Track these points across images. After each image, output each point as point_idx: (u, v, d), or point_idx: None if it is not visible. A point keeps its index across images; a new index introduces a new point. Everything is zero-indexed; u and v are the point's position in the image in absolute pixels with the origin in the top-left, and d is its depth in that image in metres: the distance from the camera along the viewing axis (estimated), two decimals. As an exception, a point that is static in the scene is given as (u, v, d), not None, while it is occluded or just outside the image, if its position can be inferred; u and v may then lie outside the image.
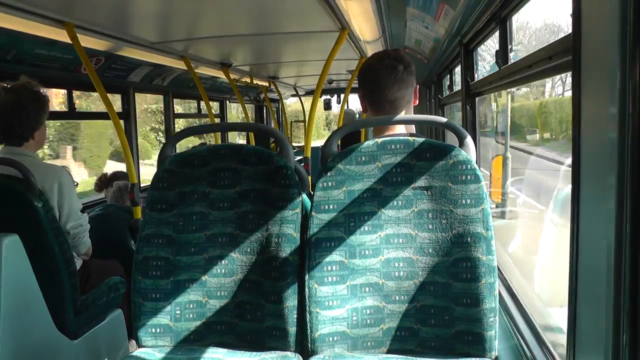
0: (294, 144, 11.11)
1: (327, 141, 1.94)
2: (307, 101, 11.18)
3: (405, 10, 4.02)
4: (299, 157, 5.61)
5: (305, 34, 4.11)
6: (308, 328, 1.83)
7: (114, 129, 3.73)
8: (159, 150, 2.13)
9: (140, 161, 5.43)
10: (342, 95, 8.19)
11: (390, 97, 2.08)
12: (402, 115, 2.08)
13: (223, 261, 1.96)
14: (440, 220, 1.81)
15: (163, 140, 16.32)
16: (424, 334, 1.82)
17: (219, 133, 6.54)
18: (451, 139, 2.05)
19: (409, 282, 1.82)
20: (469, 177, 1.78)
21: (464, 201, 1.78)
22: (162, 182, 1.99)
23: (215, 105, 7.98)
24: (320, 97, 9.29)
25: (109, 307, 3.02)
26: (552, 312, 2.97)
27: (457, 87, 4.72)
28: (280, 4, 3.20)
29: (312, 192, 1.90)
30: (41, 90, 2.85)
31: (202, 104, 6.97)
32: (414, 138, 1.85)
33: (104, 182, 4.46)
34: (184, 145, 12.30)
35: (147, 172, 9.27)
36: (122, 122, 4.29)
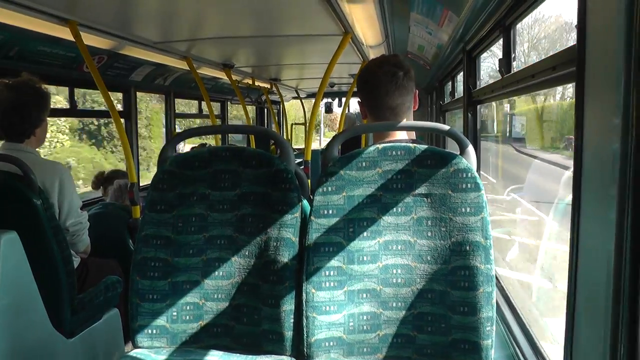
0: (294, 147, 11.11)
1: (328, 146, 1.93)
2: (308, 104, 11.19)
3: (409, 15, 4.02)
4: (298, 160, 5.61)
5: (308, 37, 4.12)
6: (304, 332, 1.83)
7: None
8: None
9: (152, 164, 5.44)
10: (344, 99, 8.19)
11: (391, 103, 2.07)
12: (405, 122, 2.08)
13: (221, 264, 1.96)
14: (440, 228, 1.80)
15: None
16: (421, 342, 1.82)
17: (220, 135, 6.54)
18: (452, 145, 2.05)
19: (406, 289, 1.82)
20: (469, 185, 1.78)
21: (463, 209, 1.78)
22: (162, 183, 1.99)
23: (216, 106, 7.98)
24: (322, 100, 9.30)
25: (106, 307, 3.01)
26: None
27: (459, 94, 4.72)
28: (284, 7, 3.20)
29: (311, 196, 1.90)
30: (43, 87, 2.85)
31: (204, 104, 6.97)
32: (415, 145, 1.85)
33: (100, 180, 4.46)
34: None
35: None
36: (123, 121, 4.28)
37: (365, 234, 1.83)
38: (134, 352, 1.92)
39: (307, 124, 5.76)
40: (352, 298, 1.83)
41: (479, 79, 3.68)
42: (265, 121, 10.56)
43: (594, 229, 1.16)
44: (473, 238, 1.76)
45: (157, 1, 3.00)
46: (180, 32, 3.91)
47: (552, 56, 1.80)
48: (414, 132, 2.23)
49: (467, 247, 1.76)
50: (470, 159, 1.82)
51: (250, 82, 7.41)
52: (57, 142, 17.66)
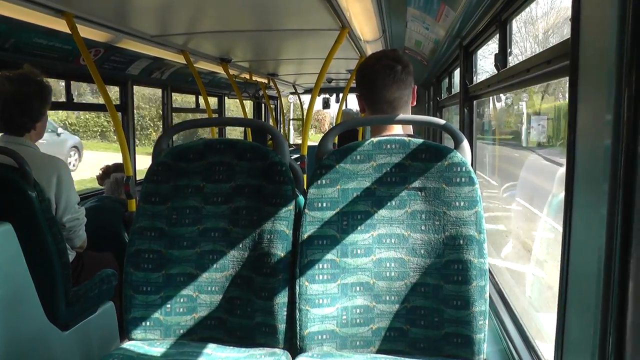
0: (291, 142, 11.11)
1: (323, 139, 1.94)
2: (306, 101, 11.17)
3: (406, 10, 4.02)
4: (295, 155, 5.61)
5: (306, 32, 4.11)
6: (297, 325, 1.84)
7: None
8: None
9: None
10: (341, 94, 8.19)
11: (389, 97, 2.08)
12: (400, 115, 2.08)
13: (215, 256, 1.96)
14: (434, 222, 1.81)
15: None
16: (413, 335, 1.82)
17: (216, 129, 6.53)
18: (448, 141, 2.05)
19: (399, 282, 1.82)
20: (463, 179, 1.78)
21: (457, 203, 1.78)
22: (156, 175, 1.99)
23: (213, 101, 7.97)
24: (319, 95, 9.28)
25: (101, 299, 3.01)
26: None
27: (456, 89, 4.72)
28: (281, 1, 3.20)
29: (306, 190, 1.90)
30: (44, 80, 2.84)
31: (201, 99, 6.97)
32: (409, 138, 1.85)
33: (106, 173, 4.43)
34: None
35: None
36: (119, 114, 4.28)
37: (359, 227, 1.84)
38: (128, 344, 1.92)
39: (304, 119, 5.76)
40: (346, 291, 1.83)
41: (475, 75, 3.68)
42: (263, 116, 10.55)
43: (586, 224, 1.17)
44: (467, 232, 1.77)
45: (154, -6, 3.00)
46: (178, 26, 3.90)
47: (547, 50, 1.80)
48: (411, 127, 2.23)
49: (461, 241, 1.77)
50: (465, 154, 1.82)
51: (247, 76, 7.40)
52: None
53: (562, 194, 1.29)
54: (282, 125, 10.74)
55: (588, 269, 1.12)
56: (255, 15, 3.67)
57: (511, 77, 2.36)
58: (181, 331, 1.97)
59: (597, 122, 1.11)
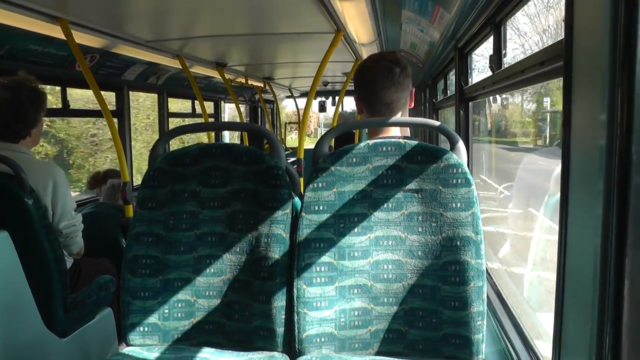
0: (287, 146, 11.11)
1: (319, 142, 1.94)
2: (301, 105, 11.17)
3: (401, 13, 4.03)
4: (292, 159, 5.62)
5: (301, 35, 4.12)
6: (296, 329, 1.83)
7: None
8: None
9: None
10: (337, 98, 8.21)
11: (387, 99, 2.08)
12: (395, 117, 2.09)
13: (212, 260, 1.96)
14: (430, 224, 1.81)
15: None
16: (412, 337, 1.82)
17: (212, 134, 6.53)
18: (445, 144, 2.06)
19: (397, 284, 1.83)
20: (459, 180, 1.79)
21: (454, 205, 1.79)
22: (153, 180, 1.99)
23: (210, 106, 7.97)
24: (315, 98, 9.29)
25: (99, 306, 3.01)
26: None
27: (452, 91, 4.73)
28: (276, 5, 3.20)
29: (303, 193, 1.90)
30: (39, 87, 2.84)
31: (197, 104, 6.97)
32: (405, 141, 1.85)
33: (96, 180, 4.43)
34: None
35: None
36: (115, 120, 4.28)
37: (356, 229, 1.84)
38: (126, 350, 1.92)
39: (300, 123, 5.76)
40: (343, 294, 1.84)
41: (470, 76, 3.69)
42: (259, 120, 10.55)
43: (582, 224, 1.17)
44: (464, 233, 1.77)
45: (148, -1, 3.00)
46: (173, 31, 3.91)
47: (541, 51, 1.81)
48: (408, 129, 2.24)
49: (458, 242, 1.77)
50: (460, 155, 1.82)
51: (243, 80, 7.40)
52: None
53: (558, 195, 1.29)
54: (277, 129, 10.74)
55: (584, 269, 1.12)
56: (251, 20, 3.67)
57: (506, 79, 2.36)
58: (179, 336, 1.97)
59: (591, 122, 1.11)
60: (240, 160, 1.99)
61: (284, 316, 1.88)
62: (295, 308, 1.83)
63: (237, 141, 11.03)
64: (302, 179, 4.07)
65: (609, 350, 1.02)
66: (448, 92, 5.24)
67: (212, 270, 1.96)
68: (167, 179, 1.99)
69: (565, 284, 1.24)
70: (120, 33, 3.73)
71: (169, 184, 1.99)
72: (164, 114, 6.15)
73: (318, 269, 1.83)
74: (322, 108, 11.32)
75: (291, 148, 9.96)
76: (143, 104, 14.40)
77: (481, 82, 3.05)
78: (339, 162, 1.85)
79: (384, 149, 1.84)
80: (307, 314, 1.82)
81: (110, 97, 5.16)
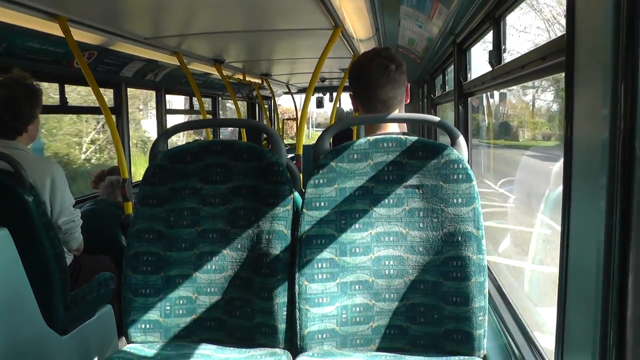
0: (285, 142, 11.11)
1: (319, 139, 1.94)
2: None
3: (399, 8, 4.02)
4: (291, 155, 5.62)
5: (299, 32, 4.12)
6: (297, 325, 1.84)
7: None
8: None
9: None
10: (335, 93, 8.20)
11: (383, 96, 2.08)
12: (395, 113, 2.09)
13: (213, 257, 1.96)
14: (432, 219, 1.81)
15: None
16: (414, 332, 1.83)
17: (211, 130, 6.53)
18: (444, 139, 2.06)
19: (399, 280, 1.83)
20: (460, 176, 1.79)
21: (455, 200, 1.79)
22: (153, 177, 1.99)
23: (208, 102, 7.96)
24: (313, 95, 9.29)
25: (99, 303, 3.01)
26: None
27: (450, 86, 4.73)
28: (274, 1, 3.20)
29: (303, 190, 1.90)
30: (35, 84, 2.83)
31: (195, 100, 6.96)
32: (406, 136, 1.85)
33: (100, 178, 4.42)
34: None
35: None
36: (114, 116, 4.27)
37: (357, 225, 1.84)
38: (128, 347, 1.92)
39: (299, 119, 5.76)
40: (345, 290, 1.84)
41: (469, 72, 3.69)
42: (257, 117, 10.55)
43: (584, 218, 1.17)
44: (465, 229, 1.77)
45: (146, -4, 2.99)
46: (171, 28, 3.90)
47: (542, 46, 1.80)
48: (405, 125, 2.24)
49: (459, 238, 1.77)
50: (461, 150, 1.83)
51: (241, 77, 7.39)
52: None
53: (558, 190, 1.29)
54: (276, 125, 10.74)
55: (587, 263, 1.12)
56: (248, 16, 3.67)
57: (506, 74, 2.36)
58: (181, 333, 1.97)
59: (594, 116, 1.11)
60: (241, 157, 1.99)
61: (285, 313, 1.88)
62: (296, 304, 1.83)
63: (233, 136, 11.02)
64: (301, 175, 4.07)
65: (613, 345, 1.02)
66: (447, 87, 5.24)
67: (213, 267, 1.96)
68: (168, 176, 1.99)
69: (568, 278, 1.24)
70: (118, 30, 3.72)
71: (169, 180, 1.99)
72: (162, 111, 6.15)
73: (319, 265, 1.83)
74: (320, 104, 11.32)
75: (289, 145, 9.95)
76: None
77: (480, 77, 3.05)
78: (340, 158, 1.85)
79: (385, 145, 1.84)
80: (308, 310, 1.82)
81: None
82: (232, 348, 1.91)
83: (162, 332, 1.96)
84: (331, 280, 1.83)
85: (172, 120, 6.04)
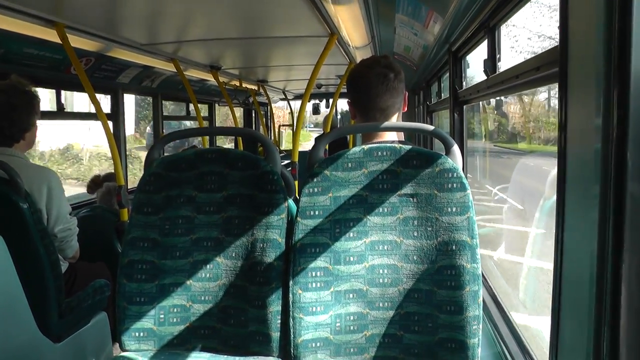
0: (282, 148, 11.11)
1: (314, 147, 1.94)
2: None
3: (394, 16, 4.04)
4: (286, 162, 5.63)
5: (295, 39, 4.13)
6: (291, 333, 1.83)
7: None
8: None
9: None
10: (331, 100, 8.22)
11: (382, 105, 2.08)
12: (389, 122, 2.09)
13: (208, 265, 1.96)
14: (426, 228, 1.81)
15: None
16: (408, 341, 1.82)
17: (207, 137, 6.53)
18: (440, 147, 2.06)
19: (393, 289, 1.83)
20: (455, 185, 1.79)
21: (449, 209, 1.79)
22: (148, 185, 1.99)
23: (204, 108, 7.96)
24: (309, 101, 9.30)
25: (94, 310, 3.00)
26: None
27: (445, 94, 4.75)
28: (270, 9, 3.21)
29: (298, 197, 1.90)
30: (32, 90, 2.83)
31: (191, 107, 6.96)
32: (400, 145, 1.85)
33: (95, 183, 4.40)
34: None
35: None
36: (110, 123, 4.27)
37: (351, 234, 1.84)
38: (122, 355, 1.91)
39: (295, 126, 5.77)
40: (339, 298, 1.84)
41: (464, 80, 3.70)
42: (253, 123, 10.55)
43: (578, 228, 1.18)
44: (459, 237, 1.77)
45: (144, 3, 2.99)
46: (167, 34, 3.90)
47: (536, 57, 1.82)
48: (402, 134, 2.24)
49: (454, 247, 1.77)
50: (455, 159, 1.83)
51: (237, 83, 7.40)
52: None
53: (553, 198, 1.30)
54: (272, 132, 10.74)
55: (581, 273, 1.13)
56: (245, 23, 3.67)
57: (500, 83, 2.37)
58: (175, 341, 1.97)
59: (587, 126, 1.12)
60: (235, 166, 1.99)
61: (279, 321, 1.88)
62: (290, 313, 1.83)
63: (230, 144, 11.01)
64: (296, 182, 4.07)
65: (606, 354, 1.02)
66: (442, 95, 5.26)
67: (207, 275, 1.96)
68: (163, 184, 1.99)
69: (562, 288, 1.24)
70: (115, 36, 3.72)
71: (164, 188, 1.98)
72: (158, 117, 6.15)
73: (314, 273, 1.83)
74: (316, 110, 11.32)
75: (285, 151, 9.95)
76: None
77: (475, 86, 3.06)
78: (334, 166, 1.85)
79: (379, 153, 1.84)
80: (302, 318, 1.82)
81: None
82: (226, 356, 1.91)
83: (156, 340, 1.96)
84: (325, 288, 1.83)
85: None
